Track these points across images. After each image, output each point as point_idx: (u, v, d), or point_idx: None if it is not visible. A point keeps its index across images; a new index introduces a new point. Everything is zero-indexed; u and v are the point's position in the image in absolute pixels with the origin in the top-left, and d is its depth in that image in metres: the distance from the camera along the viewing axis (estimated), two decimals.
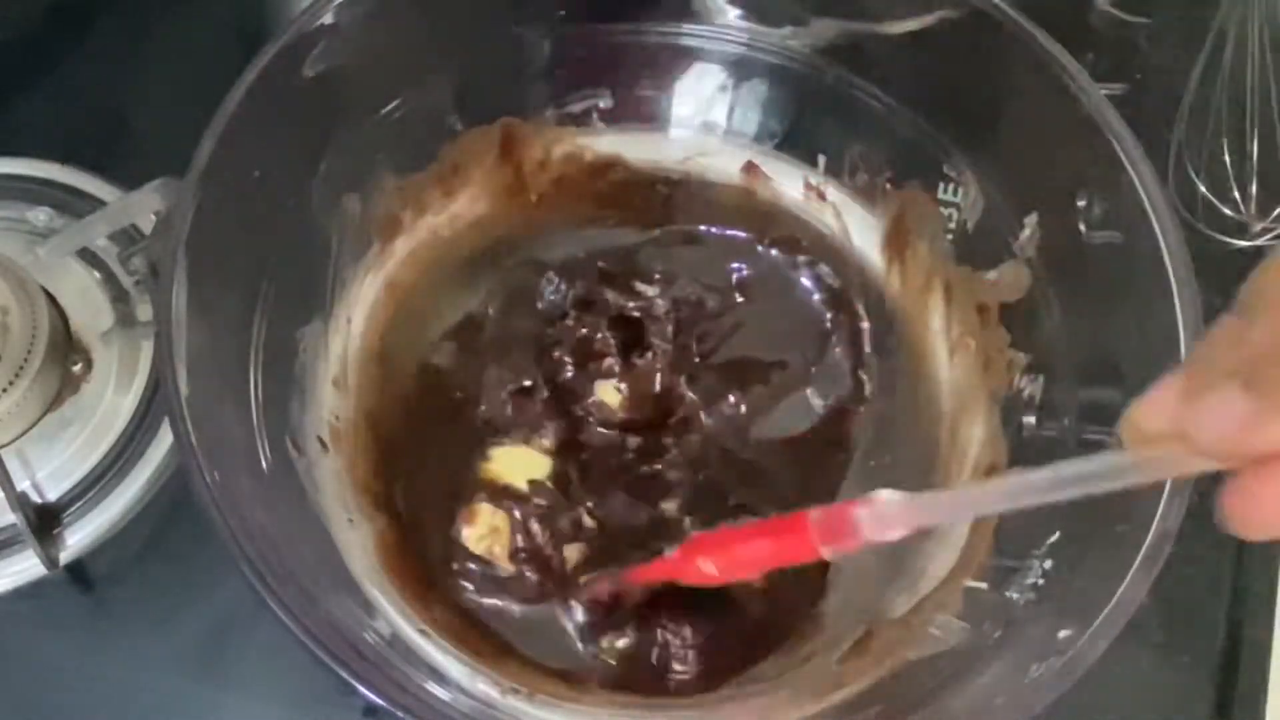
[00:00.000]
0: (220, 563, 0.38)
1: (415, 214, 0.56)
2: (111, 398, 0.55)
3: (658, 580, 0.46)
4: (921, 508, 0.38)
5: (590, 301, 0.56)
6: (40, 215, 0.59)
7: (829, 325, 0.57)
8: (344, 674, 0.37)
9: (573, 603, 0.49)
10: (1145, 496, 0.40)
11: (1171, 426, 0.28)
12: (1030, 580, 0.44)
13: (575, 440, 0.53)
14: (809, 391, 0.56)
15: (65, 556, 0.52)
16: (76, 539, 0.53)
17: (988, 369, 0.52)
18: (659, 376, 0.54)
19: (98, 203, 0.59)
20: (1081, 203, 0.47)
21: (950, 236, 0.54)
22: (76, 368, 0.56)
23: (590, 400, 0.54)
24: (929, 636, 0.46)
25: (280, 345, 0.49)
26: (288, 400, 0.49)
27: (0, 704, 0.50)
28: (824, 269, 0.58)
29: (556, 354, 0.54)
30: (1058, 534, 0.44)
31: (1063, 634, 0.39)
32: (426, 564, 0.50)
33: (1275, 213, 0.62)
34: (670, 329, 0.55)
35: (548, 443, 0.52)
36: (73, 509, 0.53)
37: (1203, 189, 0.62)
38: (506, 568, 0.50)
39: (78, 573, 0.53)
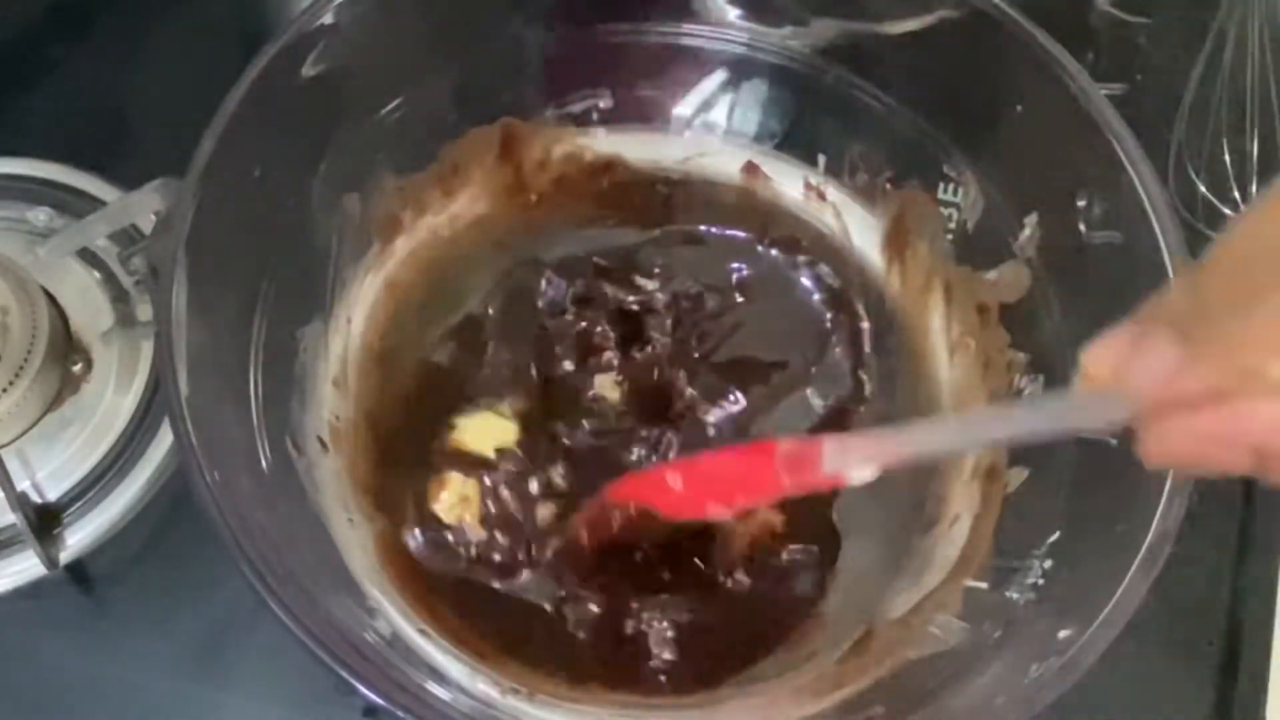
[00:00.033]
0: (220, 563, 0.38)
1: (415, 214, 0.56)
2: (111, 398, 0.55)
3: (631, 506, 0.46)
4: (883, 443, 0.38)
5: (589, 297, 0.56)
6: (40, 215, 0.59)
7: (829, 325, 0.57)
8: (344, 674, 0.37)
9: (544, 570, 0.49)
10: (1145, 496, 0.40)
11: (1114, 371, 0.30)
12: (1030, 580, 0.44)
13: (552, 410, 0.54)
14: (809, 391, 0.56)
15: (65, 556, 0.52)
16: (76, 539, 0.53)
17: (988, 369, 0.52)
18: (657, 371, 0.54)
19: (98, 203, 0.59)
20: (1081, 203, 0.47)
21: (950, 236, 0.54)
22: (76, 368, 0.56)
23: (590, 394, 0.54)
24: (929, 636, 0.46)
25: (280, 345, 0.49)
26: (288, 400, 0.49)
27: (0, 704, 0.51)
28: (824, 269, 0.58)
29: (557, 349, 0.54)
30: (1058, 534, 0.44)
31: (1063, 634, 0.39)
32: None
33: None
34: (669, 323, 0.55)
35: (520, 406, 0.53)
36: (73, 509, 0.53)
37: (1203, 189, 0.62)
38: (478, 533, 0.50)
39: (78, 573, 0.53)
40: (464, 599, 0.49)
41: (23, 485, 0.53)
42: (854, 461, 0.38)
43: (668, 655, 0.48)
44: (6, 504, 0.51)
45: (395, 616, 0.46)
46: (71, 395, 0.55)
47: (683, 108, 0.59)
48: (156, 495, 0.54)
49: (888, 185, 0.56)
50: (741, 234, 0.59)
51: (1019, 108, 0.50)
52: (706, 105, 0.58)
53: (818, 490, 0.39)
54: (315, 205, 0.51)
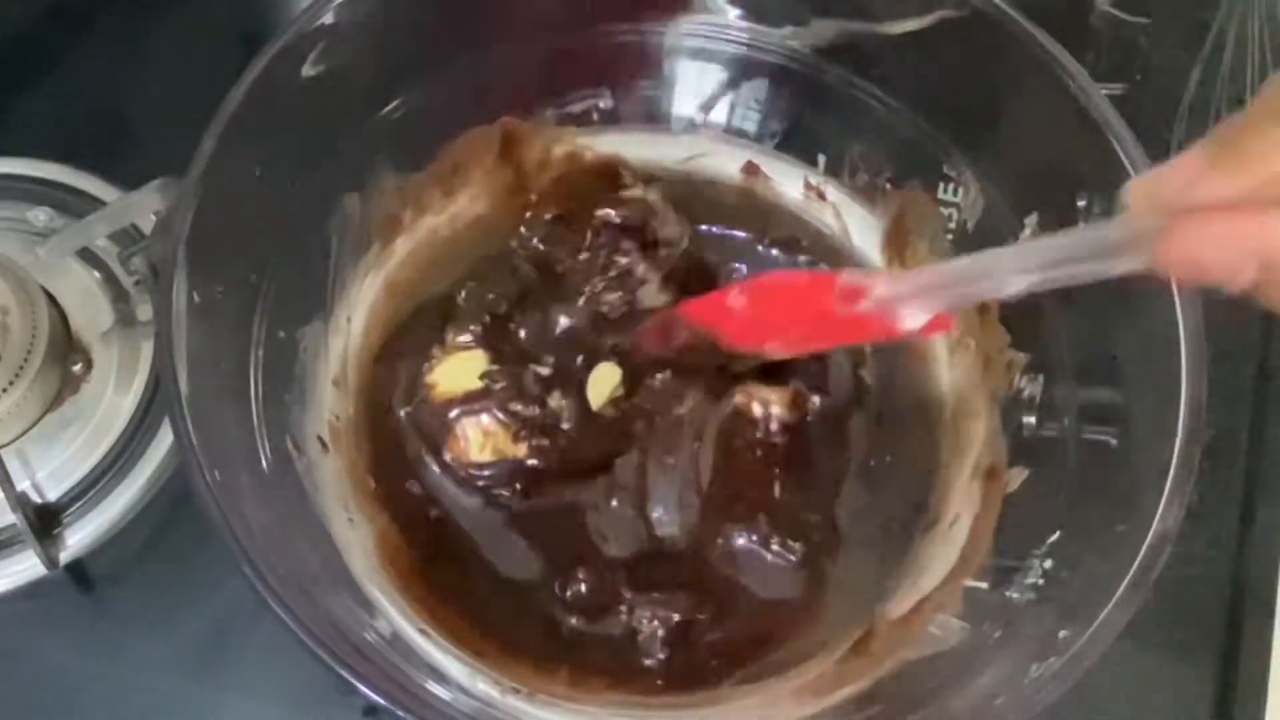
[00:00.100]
0: (220, 563, 0.38)
1: (415, 214, 0.56)
2: (111, 398, 0.55)
3: (693, 329, 0.47)
4: (932, 274, 0.41)
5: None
6: (40, 215, 0.59)
7: None
8: (344, 674, 0.37)
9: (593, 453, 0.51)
10: (1145, 496, 0.40)
11: (1149, 195, 0.31)
12: (1030, 580, 0.44)
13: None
14: (809, 391, 0.55)
15: (65, 556, 0.52)
16: (76, 539, 0.53)
17: (988, 369, 0.52)
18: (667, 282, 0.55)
19: (98, 203, 0.59)
20: (1081, 203, 0.47)
21: (950, 236, 0.54)
22: (76, 368, 0.56)
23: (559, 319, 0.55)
24: (929, 636, 0.46)
25: (280, 345, 0.49)
26: (288, 400, 0.49)
27: (0, 704, 0.51)
28: (824, 269, 0.58)
29: (586, 289, 0.54)
30: (1058, 534, 0.44)
31: (1063, 634, 0.39)
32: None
33: None
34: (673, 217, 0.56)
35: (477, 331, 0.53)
36: (73, 509, 0.53)
37: None
38: (518, 453, 0.51)
39: (78, 573, 0.53)
40: (464, 599, 0.49)
41: (23, 485, 0.53)
42: (905, 293, 0.40)
43: (667, 655, 0.48)
44: (6, 504, 0.51)
45: (395, 616, 0.46)
46: (71, 395, 0.55)
47: (683, 108, 0.59)
48: (156, 495, 0.54)
49: (888, 185, 0.56)
50: (741, 234, 0.59)
51: (1019, 108, 0.50)
52: (706, 105, 0.58)
53: (872, 336, 0.42)
54: (315, 205, 0.51)
